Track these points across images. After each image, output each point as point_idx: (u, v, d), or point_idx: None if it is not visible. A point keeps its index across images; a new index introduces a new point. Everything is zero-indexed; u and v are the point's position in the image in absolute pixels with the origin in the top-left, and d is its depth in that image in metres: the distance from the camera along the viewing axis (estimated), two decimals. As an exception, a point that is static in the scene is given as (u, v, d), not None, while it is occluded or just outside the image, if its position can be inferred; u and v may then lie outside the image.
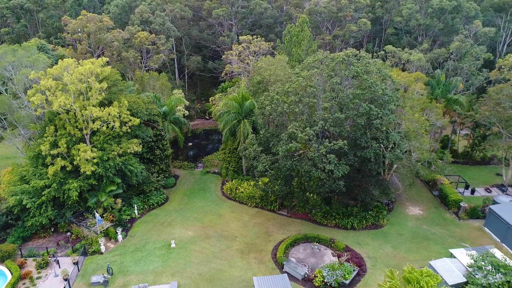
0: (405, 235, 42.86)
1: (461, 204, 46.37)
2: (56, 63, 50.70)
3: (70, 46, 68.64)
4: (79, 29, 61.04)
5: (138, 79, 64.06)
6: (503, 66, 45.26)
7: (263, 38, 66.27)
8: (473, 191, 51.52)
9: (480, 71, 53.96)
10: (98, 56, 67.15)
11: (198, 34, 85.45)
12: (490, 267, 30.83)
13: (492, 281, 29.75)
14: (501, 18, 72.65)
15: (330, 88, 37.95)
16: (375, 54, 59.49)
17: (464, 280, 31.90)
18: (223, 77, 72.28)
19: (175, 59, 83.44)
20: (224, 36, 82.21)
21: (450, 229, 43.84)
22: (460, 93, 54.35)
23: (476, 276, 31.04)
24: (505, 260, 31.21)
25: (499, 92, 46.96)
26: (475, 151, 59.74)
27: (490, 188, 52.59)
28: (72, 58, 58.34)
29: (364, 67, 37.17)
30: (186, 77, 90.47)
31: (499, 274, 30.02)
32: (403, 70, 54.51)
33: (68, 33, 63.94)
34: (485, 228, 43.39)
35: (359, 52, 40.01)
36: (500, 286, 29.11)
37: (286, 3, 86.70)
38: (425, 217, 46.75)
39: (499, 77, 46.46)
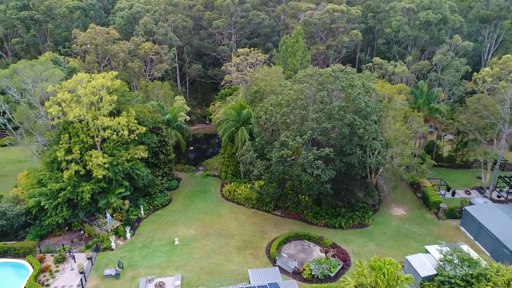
0: (388, 233, 46.98)
1: (441, 205, 50.49)
2: (69, 75, 55.08)
3: (79, 56, 72.84)
4: (88, 41, 65.28)
5: (143, 87, 68.28)
6: (477, 79, 49.49)
7: (259, 51, 70.32)
8: (453, 193, 55.64)
9: (461, 81, 58.14)
10: (105, 66, 71.42)
11: (199, 42, 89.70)
12: (457, 261, 34.96)
13: (458, 273, 33.90)
14: (485, 28, 76.85)
15: (319, 100, 42.07)
16: (364, 64, 63.59)
17: (435, 272, 35.96)
18: (222, 86, 76.43)
19: (177, 67, 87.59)
20: (223, 45, 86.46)
21: (429, 228, 47.98)
22: (442, 102, 58.53)
23: (445, 269, 35.14)
24: (469, 254, 35.33)
25: (476, 102, 51.11)
26: (458, 156, 63.88)
27: (470, 190, 56.73)
28: (81, 68, 62.70)
29: (349, 82, 41.33)
30: (187, 83, 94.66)
31: (465, 266, 34.16)
32: (390, 80, 58.70)
33: (77, 44, 68.13)
34: (461, 227, 47.53)
35: (345, 67, 44.21)
36: (464, 276, 33.24)
37: (283, 13, 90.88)
38: (408, 217, 50.87)
39: (475, 88, 50.65)
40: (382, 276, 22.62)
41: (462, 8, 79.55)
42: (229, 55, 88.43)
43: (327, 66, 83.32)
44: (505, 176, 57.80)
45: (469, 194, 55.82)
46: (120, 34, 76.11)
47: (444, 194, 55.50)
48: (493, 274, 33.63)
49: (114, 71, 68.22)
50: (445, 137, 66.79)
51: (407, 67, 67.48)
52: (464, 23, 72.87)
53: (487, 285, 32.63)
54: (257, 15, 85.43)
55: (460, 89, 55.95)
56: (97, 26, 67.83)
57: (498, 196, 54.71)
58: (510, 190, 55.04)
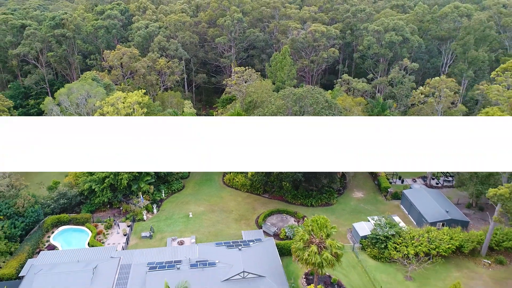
0: (346, 210, 63.32)
1: (389, 189, 66.74)
2: (105, 89, 71.19)
3: (106, 70, 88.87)
4: (115, 60, 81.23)
5: (160, 96, 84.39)
6: (415, 96, 65.48)
7: (254, 62, 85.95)
8: (402, 181, 71.84)
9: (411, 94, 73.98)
10: (127, 78, 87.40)
11: (204, 55, 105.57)
12: (384, 225, 51.36)
13: (383, 232, 50.28)
14: (442, 45, 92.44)
15: (293, 113, 58.15)
16: (336, 80, 79.71)
17: (370, 233, 52.37)
18: (225, 94, 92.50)
19: (185, 77, 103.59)
20: (224, 58, 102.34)
21: (377, 206, 64.33)
22: (395, 110, 74.54)
23: (376, 230, 51.50)
24: (392, 220, 51.79)
25: (417, 111, 67.11)
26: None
27: (416, 179, 72.93)
28: (110, 81, 78.74)
29: (315, 100, 57.38)
30: (193, 88, 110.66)
31: (387, 228, 50.53)
32: (353, 94, 74.71)
33: (106, 61, 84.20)
34: (401, 205, 63.88)
35: (313, 88, 60.21)
36: (385, 234, 49.70)
37: (276, 29, 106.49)
38: (364, 198, 67.18)
39: (414, 102, 66.67)
40: (316, 224, 38.71)
41: (424, 29, 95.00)
42: (229, 65, 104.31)
43: (312, 76, 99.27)
44: (444, 168, 73.78)
45: (415, 181, 72.01)
46: (137, 48, 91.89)
47: (396, 182, 71.71)
48: (405, 232, 50.19)
49: (134, 81, 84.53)
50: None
51: (373, 79, 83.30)
52: (423, 42, 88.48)
53: (399, 239, 49.19)
54: (253, 32, 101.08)
55: (407, 101, 71.98)
56: (123, 48, 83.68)
57: (436, 183, 70.93)
58: (445, 179, 71.26)
